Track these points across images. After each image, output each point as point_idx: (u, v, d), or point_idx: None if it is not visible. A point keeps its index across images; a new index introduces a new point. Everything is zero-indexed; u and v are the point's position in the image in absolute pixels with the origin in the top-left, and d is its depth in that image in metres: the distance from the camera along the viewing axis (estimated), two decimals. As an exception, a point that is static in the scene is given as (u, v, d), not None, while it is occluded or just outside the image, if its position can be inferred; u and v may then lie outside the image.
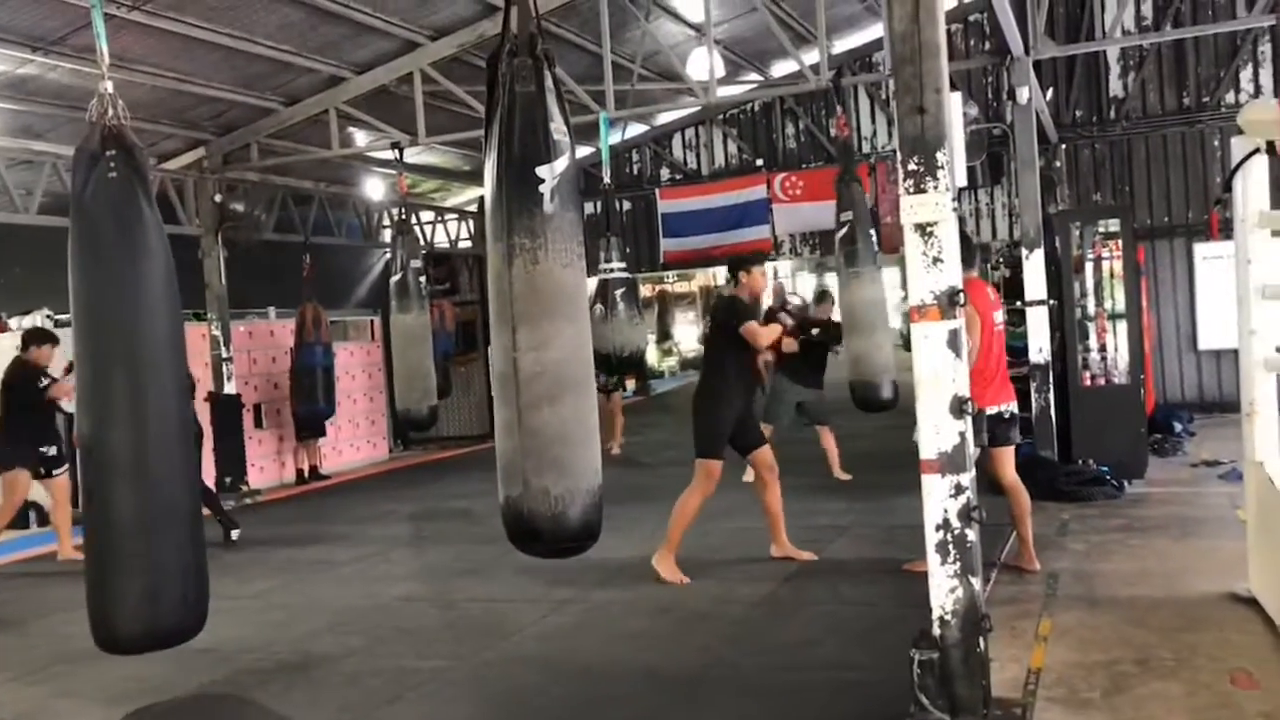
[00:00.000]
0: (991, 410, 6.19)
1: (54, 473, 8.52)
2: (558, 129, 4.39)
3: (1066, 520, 7.87)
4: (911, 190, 4.03)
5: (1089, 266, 9.55)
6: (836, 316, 8.82)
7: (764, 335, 6.61)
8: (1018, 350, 10.24)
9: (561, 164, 4.35)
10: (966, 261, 5.56)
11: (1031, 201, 9.33)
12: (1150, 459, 9.55)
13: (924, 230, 4.02)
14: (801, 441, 9.86)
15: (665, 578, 6.57)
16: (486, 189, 4.50)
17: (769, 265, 23.94)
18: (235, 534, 8.85)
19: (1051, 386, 9.18)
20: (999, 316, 6.38)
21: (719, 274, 26.21)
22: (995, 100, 14.03)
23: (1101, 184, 13.67)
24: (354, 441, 14.54)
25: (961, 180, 4.03)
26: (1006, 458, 6.45)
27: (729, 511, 8.64)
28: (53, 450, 8.48)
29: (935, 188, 4.00)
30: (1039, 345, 9.21)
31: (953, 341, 4.00)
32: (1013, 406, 6.41)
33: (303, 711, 4.87)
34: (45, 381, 8.20)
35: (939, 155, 4.00)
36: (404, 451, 15.56)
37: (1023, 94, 9.23)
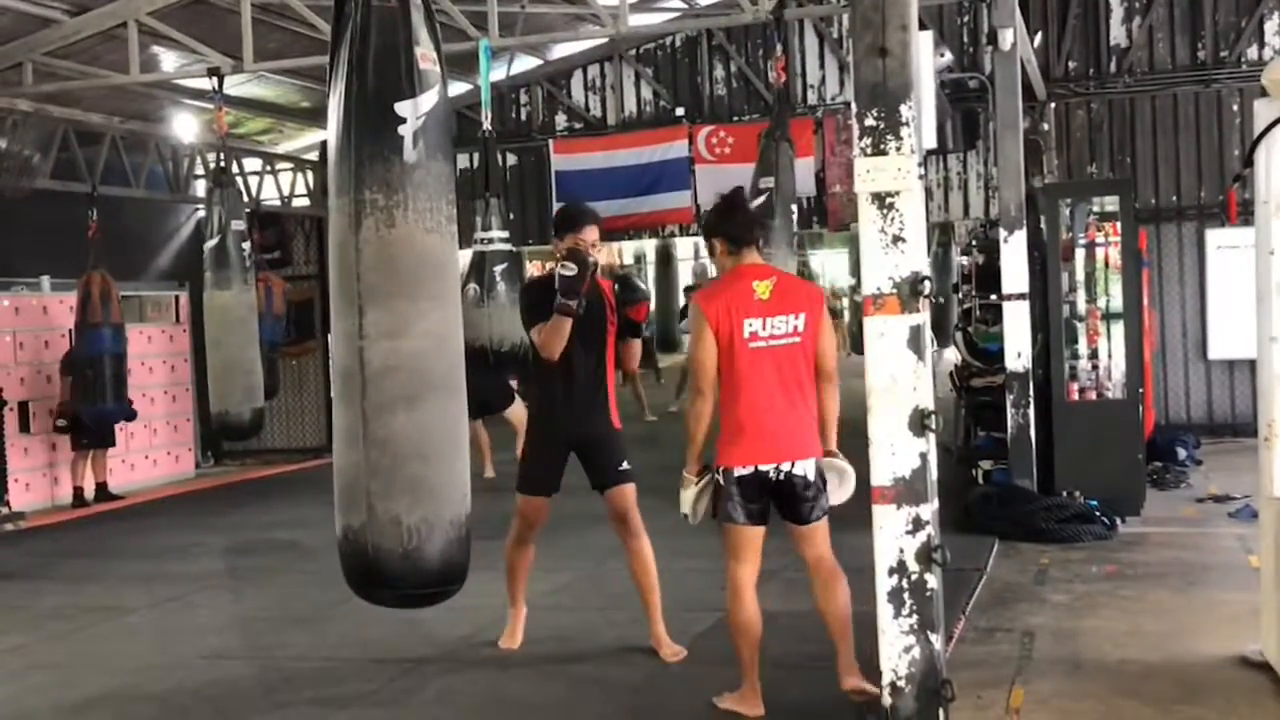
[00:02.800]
0: (743, 471, 5.10)
1: None
2: (425, 56, 4.36)
3: (1046, 566, 8.06)
4: (869, 151, 4.08)
5: (1080, 254, 9.79)
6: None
7: (545, 341, 5.89)
8: (991, 354, 10.49)
9: (429, 100, 4.32)
10: (739, 239, 5.20)
11: (1013, 172, 9.50)
12: (1148, 491, 9.80)
13: (882, 201, 4.08)
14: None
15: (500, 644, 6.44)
16: (330, 130, 4.44)
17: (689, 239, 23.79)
18: None
19: (1031, 400, 9.36)
20: (779, 324, 5.05)
21: (627, 249, 26.37)
22: (972, 45, 14.31)
23: (1098, 153, 14.04)
24: (150, 452, 14.29)
25: (930, 141, 4.10)
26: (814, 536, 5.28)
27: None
28: None
29: (898, 149, 4.05)
30: (1017, 349, 9.37)
31: (914, 340, 4.06)
32: (799, 467, 5.10)
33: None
34: None
35: (903, 109, 4.06)
36: (215, 466, 15.38)
37: (1005, 38, 9.37)
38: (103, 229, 12.38)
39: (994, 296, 10.20)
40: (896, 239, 4.05)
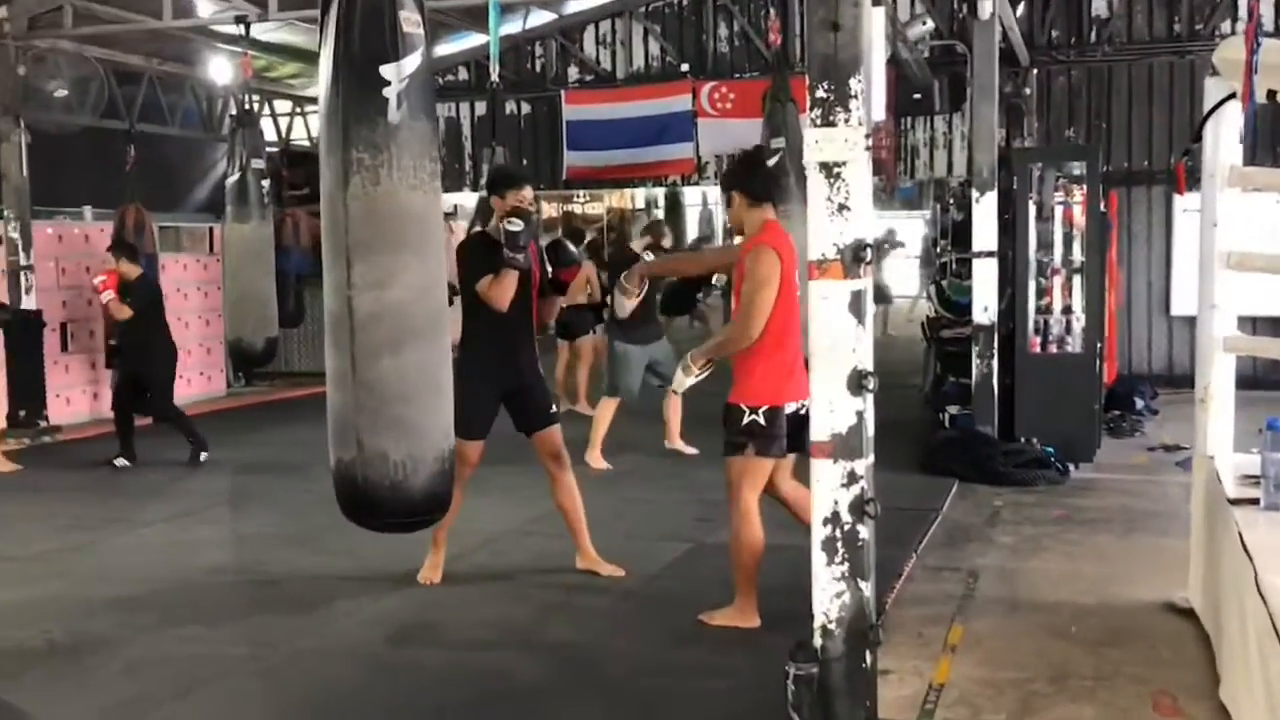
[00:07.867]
0: (792, 407, 5.32)
1: None
2: (409, 19, 4.25)
3: (999, 508, 8.02)
4: (818, 122, 3.97)
5: (1053, 213, 9.63)
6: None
7: (495, 294, 5.87)
8: (963, 307, 10.38)
9: (412, 63, 4.22)
10: (760, 195, 5.41)
11: (986, 136, 9.37)
12: (1105, 439, 9.77)
13: (830, 170, 3.96)
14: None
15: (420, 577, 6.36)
16: (320, 91, 4.36)
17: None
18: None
19: (996, 351, 9.30)
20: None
21: (638, 196, 26.15)
22: (960, 12, 14.03)
23: (1076, 117, 13.80)
24: (185, 372, 14.13)
25: (879, 114, 3.99)
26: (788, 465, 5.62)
27: (615, 482, 8.68)
28: None
29: (846, 121, 3.94)
30: (984, 303, 9.30)
31: (856, 305, 3.97)
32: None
33: (61, 707, 4.74)
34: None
35: (853, 82, 3.93)
36: (245, 387, 15.31)
37: (984, 7, 9.20)
38: (140, 164, 12.30)
39: (968, 253, 10.09)
40: (842, 207, 3.93)
